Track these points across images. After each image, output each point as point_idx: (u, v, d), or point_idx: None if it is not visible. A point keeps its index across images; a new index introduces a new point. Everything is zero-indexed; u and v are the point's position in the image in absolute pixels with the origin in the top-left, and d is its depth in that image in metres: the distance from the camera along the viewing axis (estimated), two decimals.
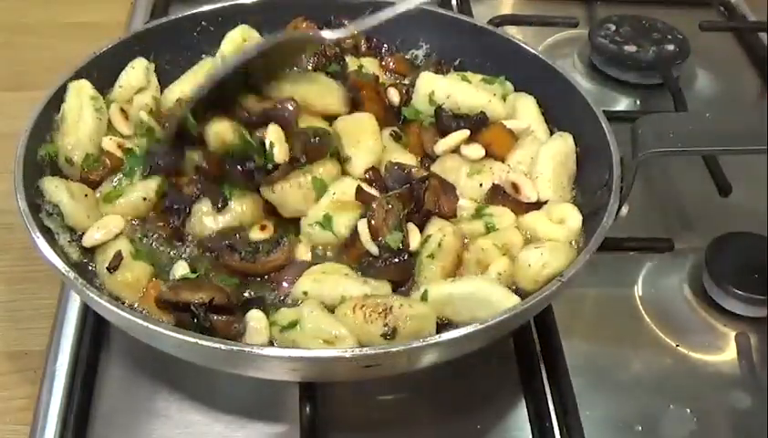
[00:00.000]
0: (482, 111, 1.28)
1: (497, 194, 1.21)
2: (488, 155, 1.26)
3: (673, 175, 1.50)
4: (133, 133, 1.29)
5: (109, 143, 1.25)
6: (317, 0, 1.49)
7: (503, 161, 1.26)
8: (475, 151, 1.25)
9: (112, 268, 1.09)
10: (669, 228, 1.41)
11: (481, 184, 1.23)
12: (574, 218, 1.15)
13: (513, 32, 1.60)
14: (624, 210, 1.13)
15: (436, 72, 1.41)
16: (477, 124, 1.27)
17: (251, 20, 1.46)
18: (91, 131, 1.24)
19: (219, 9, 1.44)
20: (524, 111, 1.33)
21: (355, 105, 1.29)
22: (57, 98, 1.24)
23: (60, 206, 1.12)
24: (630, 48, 1.75)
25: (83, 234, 1.14)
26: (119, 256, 1.10)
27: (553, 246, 1.11)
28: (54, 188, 1.13)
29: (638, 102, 1.71)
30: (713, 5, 1.97)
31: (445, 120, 1.28)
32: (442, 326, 1.05)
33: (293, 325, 1.02)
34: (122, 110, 1.30)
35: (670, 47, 1.75)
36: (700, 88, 1.75)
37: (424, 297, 1.06)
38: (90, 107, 1.25)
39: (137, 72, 1.34)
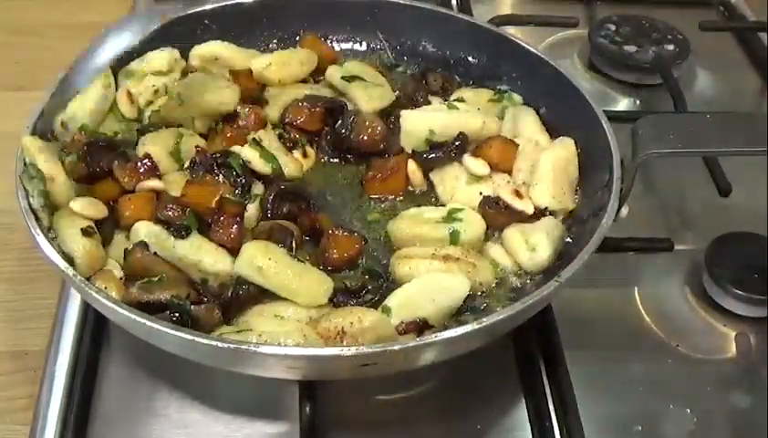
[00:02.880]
0: (460, 133, 1.26)
1: (490, 204, 1.21)
2: (492, 168, 1.25)
3: (673, 175, 1.50)
4: (135, 118, 1.30)
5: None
6: (317, 0, 1.50)
7: (509, 173, 1.26)
8: (479, 167, 1.24)
9: (87, 233, 1.08)
10: (669, 228, 1.41)
11: (480, 193, 1.24)
12: (543, 248, 1.14)
13: (513, 32, 1.60)
14: (624, 210, 1.13)
15: (443, 88, 1.41)
16: (458, 150, 1.26)
17: (251, 19, 1.47)
18: (93, 106, 1.25)
19: (221, 8, 1.45)
20: (525, 125, 1.32)
21: None
22: (57, 97, 1.24)
23: (48, 180, 1.11)
24: (630, 48, 1.75)
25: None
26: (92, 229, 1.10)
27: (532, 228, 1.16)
28: (51, 165, 1.13)
29: (638, 102, 1.70)
30: (713, 5, 1.97)
31: (423, 155, 1.27)
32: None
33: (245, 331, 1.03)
34: (129, 94, 1.31)
35: (670, 47, 1.75)
36: (700, 88, 1.75)
37: (386, 311, 1.06)
38: (99, 83, 1.27)
39: (164, 55, 1.35)
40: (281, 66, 1.38)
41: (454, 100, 1.37)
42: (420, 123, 1.28)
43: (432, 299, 1.07)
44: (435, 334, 0.95)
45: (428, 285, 1.08)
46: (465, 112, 1.32)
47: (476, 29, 1.47)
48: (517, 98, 1.39)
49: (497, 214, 1.20)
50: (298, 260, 1.10)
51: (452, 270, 1.11)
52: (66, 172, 1.14)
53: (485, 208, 1.21)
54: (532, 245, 1.14)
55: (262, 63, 1.37)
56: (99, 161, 1.17)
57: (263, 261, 1.07)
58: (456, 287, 1.08)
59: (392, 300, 1.07)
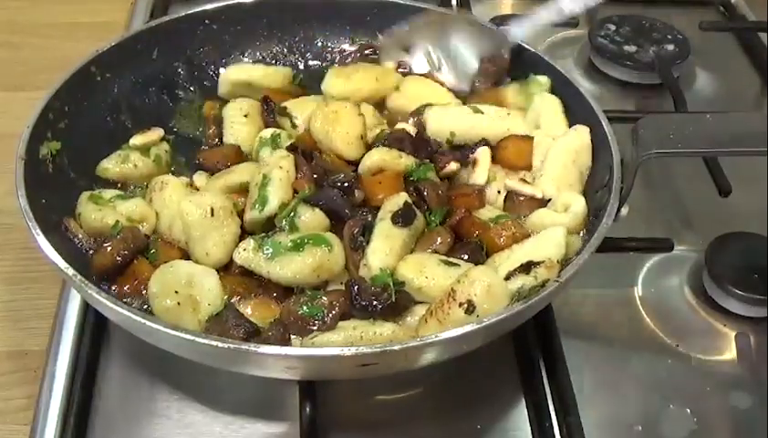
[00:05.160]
0: (483, 139, 1.27)
1: (509, 201, 1.22)
2: (510, 168, 1.26)
3: (673, 175, 1.50)
4: None
5: None
6: (317, 0, 1.50)
7: (528, 170, 1.26)
8: (480, 176, 1.25)
9: None
10: (669, 228, 1.41)
11: (498, 191, 1.24)
12: (577, 203, 1.16)
13: None
14: (624, 210, 1.13)
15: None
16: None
17: (251, 19, 1.47)
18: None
19: (221, 8, 1.45)
20: (546, 118, 1.32)
21: None
22: (57, 98, 1.24)
23: None
24: (630, 48, 1.75)
25: None
26: None
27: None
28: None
29: (638, 102, 1.70)
30: (713, 4, 1.97)
31: (442, 156, 1.27)
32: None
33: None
34: None
35: (670, 47, 1.75)
36: (700, 88, 1.75)
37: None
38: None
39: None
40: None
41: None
42: (443, 123, 1.29)
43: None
44: (435, 334, 0.95)
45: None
46: (490, 117, 1.30)
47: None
48: (543, 79, 1.36)
49: (519, 206, 1.21)
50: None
51: None
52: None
53: (507, 206, 1.22)
54: (565, 206, 1.16)
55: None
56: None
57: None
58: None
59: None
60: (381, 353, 0.93)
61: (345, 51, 1.52)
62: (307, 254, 1.08)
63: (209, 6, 1.45)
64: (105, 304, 0.98)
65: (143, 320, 0.95)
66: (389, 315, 1.06)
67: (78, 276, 1.00)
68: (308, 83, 1.46)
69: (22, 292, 1.29)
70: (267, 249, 1.10)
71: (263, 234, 1.12)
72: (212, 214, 1.13)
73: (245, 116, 1.34)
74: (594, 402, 1.14)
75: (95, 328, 1.17)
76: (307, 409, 1.07)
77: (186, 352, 1.01)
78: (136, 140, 1.29)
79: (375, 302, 1.05)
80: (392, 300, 1.05)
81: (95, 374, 1.14)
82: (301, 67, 1.52)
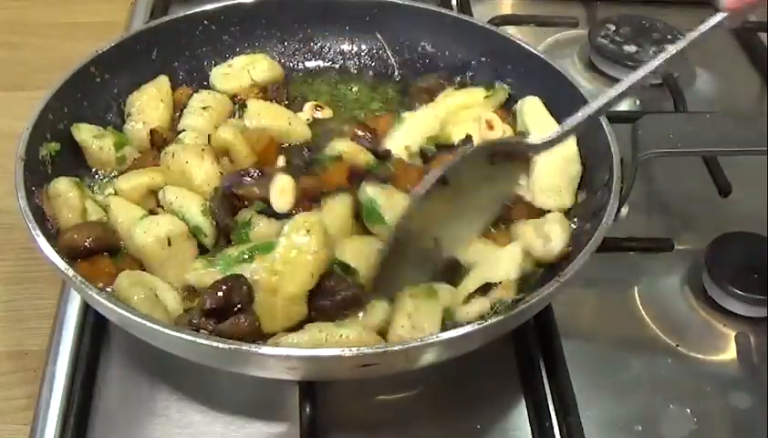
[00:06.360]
0: (468, 134, 1.27)
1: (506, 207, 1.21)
2: None
3: (673, 175, 1.50)
4: None
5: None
6: (317, 0, 1.50)
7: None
8: None
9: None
10: (669, 228, 1.41)
11: None
12: (558, 238, 1.14)
13: (513, 32, 1.60)
14: (624, 210, 1.13)
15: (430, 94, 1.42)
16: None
17: (250, 20, 1.47)
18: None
19: (221, 9, 1.45)
20: (532, 115, 1.33)
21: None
22: (57, 98, 1.24)
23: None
24: (630, 48, 1.75)
25: None
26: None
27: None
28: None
29: (638, 102, 1.70)
30: (713, 4, 1.96)
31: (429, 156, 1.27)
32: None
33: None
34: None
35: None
36: (700, 88, 1.75)
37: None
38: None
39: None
40: None
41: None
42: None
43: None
44: (436, 334, 0.95)
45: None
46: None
47: (476, 30, 1.47)
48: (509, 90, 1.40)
49: (511, 212, 1.20)
50: None
51: None
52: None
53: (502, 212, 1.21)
54: (545, 235, 1.15)
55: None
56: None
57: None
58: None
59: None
60: (382, 353, 0.93)
61: (344, 51, 1.53)
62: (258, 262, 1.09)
63: (208, 7, 1.45)
64: (105, 304, 0.98)
65: (143, 320, 0.95)
66: (349, 306, 1.06)
67: (78, 277, 1.00)
68: (309, 83, 1.47)
69: (22, 292, 1.29)
70: (218, 264, 1.09)
71: (212, 252, 1.13)
72: (170, 243, 1.12)
73: (204, 109, 1.32)
74: (594, 402, 1.14)
75: (95, 328, 1.17)
76: (307, 409, 1.07)
77: (186, 352, 1.02)
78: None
79: (333, 295, 1.06)
80: (352, 292, 1.06)
81: (95, 374, 1.14)
82: (300, 67, 1.52)
